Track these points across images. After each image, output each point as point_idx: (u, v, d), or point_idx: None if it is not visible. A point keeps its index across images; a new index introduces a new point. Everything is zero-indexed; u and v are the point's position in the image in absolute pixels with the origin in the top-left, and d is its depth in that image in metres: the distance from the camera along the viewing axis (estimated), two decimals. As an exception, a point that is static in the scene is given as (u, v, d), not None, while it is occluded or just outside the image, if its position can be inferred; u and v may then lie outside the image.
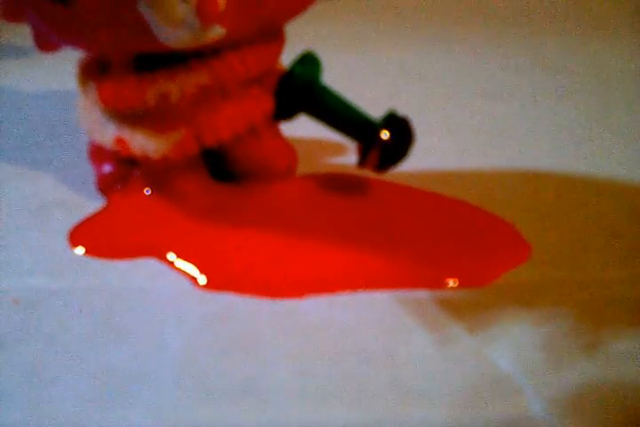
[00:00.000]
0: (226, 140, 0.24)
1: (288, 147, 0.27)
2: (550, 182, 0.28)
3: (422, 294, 0.21)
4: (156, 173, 0.25)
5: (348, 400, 0.16)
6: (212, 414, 0.16)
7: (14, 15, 0.24)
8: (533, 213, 0.25)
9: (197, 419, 0.16)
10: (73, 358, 0.18)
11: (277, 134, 0.27)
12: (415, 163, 0.26)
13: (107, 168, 0.26)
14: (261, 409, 0.16)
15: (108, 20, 0.21)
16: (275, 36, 0.25)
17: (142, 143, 0.24)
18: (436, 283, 0.21)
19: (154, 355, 0.18)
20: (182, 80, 0.23)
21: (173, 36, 0.21)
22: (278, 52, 0.25)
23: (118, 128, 0.24)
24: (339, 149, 0.30)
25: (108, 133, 0.24)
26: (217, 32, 0.21)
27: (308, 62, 0.26)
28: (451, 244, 0.23)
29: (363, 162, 0.26)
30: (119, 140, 0.24)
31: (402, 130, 0.25)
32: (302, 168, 0.28)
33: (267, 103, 0.25)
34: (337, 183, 0.27)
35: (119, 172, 0.26)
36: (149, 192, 0.25)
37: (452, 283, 0.21)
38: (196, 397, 0.17)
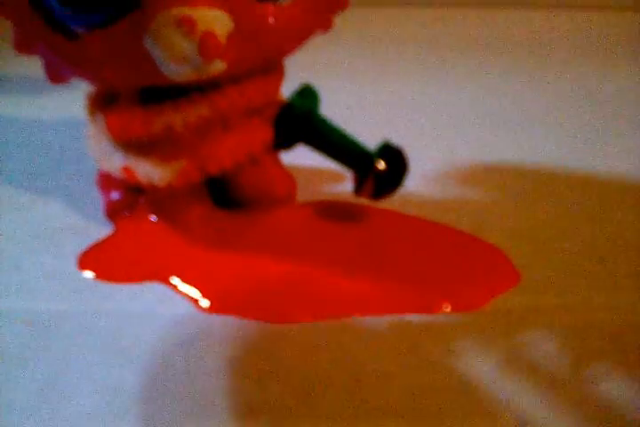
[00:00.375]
0: (228, 169, 0.25)
1: (287, 175, 0.28)
2: (540, 211, 0.29)
3: (415, 318, 0.21)
4: (160, 201, 0.26)
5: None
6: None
7: (27, 47, 0.24)
8: (523, 241, 0.26)
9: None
10: (83, 377, 0.19)
11: (277, 163, 0.28)
12: (410, 190, 0.27)
13: (114, 195, 0.27)
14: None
15: (114, 54, 0.22)
16: (274, 69, 0.26)
17: (148, 172, 0.24)
18: (429, 308, 0.22)
19: (159, 375, 0.19)
20: (186, 112, 0.24)
21: (177, 70, 0.22)
22: (278, 85, 0.26)
23: (125, 157, 0.25)
24: (335, 178, 0.31)
25: (116, 162, 0.25)
26: (218, 67, 0.22)
27: (307, 95, 0.27)
28: (443, 270, 0.24)
29: (359, 190, 0.27)
30: (126, 169, 0.25)
31: (396, 160, 0.26)
32: (301, 195, 0.29)
33: (267, 133, 0.26)
34: (334, 210, 0.28)
35: (126, 199, 0.27)
36: (155, 219, 0.26)
37: (444, 307, 0.22)
38: (199, 414, 0.17)
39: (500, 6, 0.85)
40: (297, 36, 0.25)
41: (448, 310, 0.22)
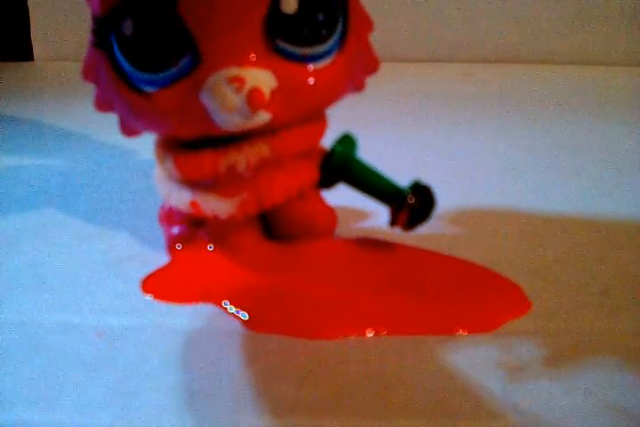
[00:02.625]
0: (280, 203, 0.28)
1: (330, 209, 0.31)
2: (551, 248, 0.32)
3: (435, 338, 0.24)
4: (218, 231, 0.30)
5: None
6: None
7: (105, 106, 0.29)
8: (535, 275, 0.29)
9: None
10: (148, 378, 0.22)
11: (320, 198, 0.31)
12: (434, 228, 0.30)
13: (175, 230, 0.31)
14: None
15: (177, 107, 0.26)
16: (319, 119, 0.29)
17: (213, 206, 0.28)
18: (449, 329, 0.25)
19: (213, 378, 0.22)
20: (247, 153, 0.27)
21: (228, 120, 0.25)
22: (322, 132, 0.29)
23: (192, 193, 0.28)
24: (369, 215, 0.35)
25: (184, 198, 0.28)
26: (263, 117, 0.26)
27: (347, 141, 0.30)
28: (461, 297, 0.27)
29: (394, 222, 0.30)
30: (193, 204, 0.28)
31: (426, 196, 0.29)
32: (339, 229, 0.32)
33: (313, 174, 0.29)
34: (368, 245, 0.32)
35: (185, 233, 0.31)
36: (212, 248, 0.30)
37: (461, 330, 0.25)
38: (246, 412, 0.21)
39: (519, 62, 0.89)
40: (332, 94, 0.28)
41: (465, 332, 0.25)
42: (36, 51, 1.06)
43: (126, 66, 0.26)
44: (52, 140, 0.55)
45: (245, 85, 0.24)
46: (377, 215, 0.34)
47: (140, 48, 0.25)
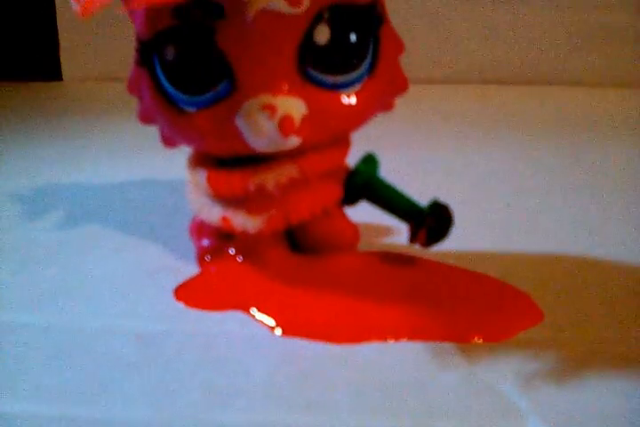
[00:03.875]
0: (306, 220, 0.30)
1: (353, 226, 0.33)
2: (564, 264, 0.33)
3: (454, 345, 0.26)
4: (247, 244, 0.32)
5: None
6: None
7: (147, 120, 0.31)
8: (546, 287, 0.30)
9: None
10: (183, 378, 0.24)
11: (344, 215, 0.33)
12: (453, 244, 0.32)
13: (205, 242, 0.33)
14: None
15: (213, 128, 0.28)
16: (343, 141, 0.31)
17: (243, 221, 0.30)
18: (466, 337, 0.26)
19: (242, 378, 0.24)
20: (276, 173, 0.29)
21: (260, 143, 0.27)
22: (346, 153, 0.31)
23: (223, 209, 0.30)
24: (389, 231, 0.36)
25: (215, 213, 0.30)
26: (293, 142, 0.28)
27: (370, 161, 0.32)
28: (477, 308, 0.28)
29: (413, 239, 0.32)
30: (224, 219, 0.30)
31: (444, 214, 0.31)
32: (362, 244, 0.34)
33: (337, 192, 0.31)
34: (389, 258, 0.33)
35: (215, 245, 0.32)
36: (241, 259, 0.32)
37: (477, 338, 0.26)
38: (280, 408, 0.22)
39: (534, 83, 0.91)
40: (361, 118, 0.30)
41: (480, 340, 0.26)
42: (64, 71, 1.09)
43: (167, 86, 0.28)
44: (83, 157, 0.58)
45: (277, 113, 0.26)
46: (397, 232, 0.35)
47: (180, 72, 0.27)
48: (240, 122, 0.27)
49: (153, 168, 0.52)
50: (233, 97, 0.27)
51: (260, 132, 0.27)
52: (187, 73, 0.27)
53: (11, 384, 0.24)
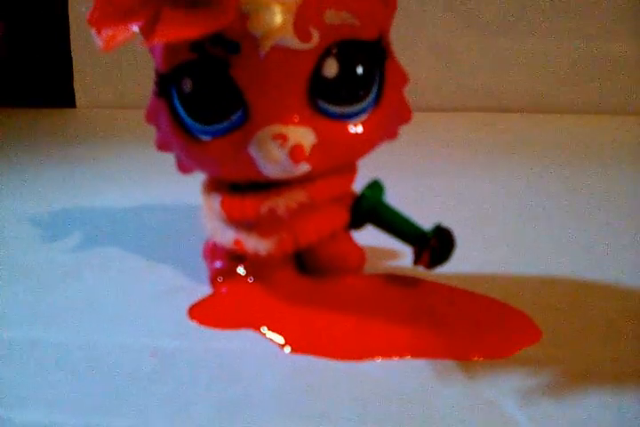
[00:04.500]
0: (314, 243, 0.32)
1: (359, 248, 0.34)
2: (563, 286, 0.34)
3: (455, 363, 0.27)
4: (257, 266, 0.33)
5: None
6: None
7: (164, 147, 0.32)
8: (545, 307, 0.32)
9: None
10: (196, 392, 0.25)
11: (350, 239, 0.34)
12: (455, 265, 0.33)
13: (218, 264, 0.34)
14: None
15: (228, 156, 0.29)
16: (350, 168, 0.33)
17: (254, 244, 0.31)
18: (466, 355, 0.27)
19: (255, 391, 0.25)
20: (287, 198, 0.30)
21: (272, 170, 0.29)
22: (352, 180, 0.33)
23: (236, 232, 0.31)
24: (395, 254, 0.38)
25: (228, 236, 0.32)
26: (303, 169, 0.29)
27: (375, 187, 0.33)
28: (478, 328, 0.30)
29: (417, 261, 0.33)
30: (237, 242, 0.31)
31: (446, 238, 0.32)
32: (367, 266, 0.35)
33: (344, 217, 0.33)
34: (393, 279, 0.35)
35: (227, 267, 0.34)
36: (252, 280, 0.33)
37: (477, 356, 0.27)
38: (289, 421, 0.23)
39: (538, 112, 0.93)
40: (367, 146, 0.31)
41: (481, 357, 0.27)
42: (78, 98, 1.11)
43: (184, 116, 0.30)
44: (97, 182, 0.60)
45: (288, 142, 0.28)
46: (401, 254, 0.37)
47: (197, 103, 0.29)
48: (253, 150, 0.28)
49: (165, 193, 0.53)
50: (246, 126, 0.29)
51: (271, 160, 0.28)
52: (203, 104, 0.29)
53: (34, 395, 0.25)
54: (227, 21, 0.26)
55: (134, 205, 0.51)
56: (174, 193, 0.52)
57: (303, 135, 0.28)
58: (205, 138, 0.30)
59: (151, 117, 0.32)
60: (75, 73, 1.10)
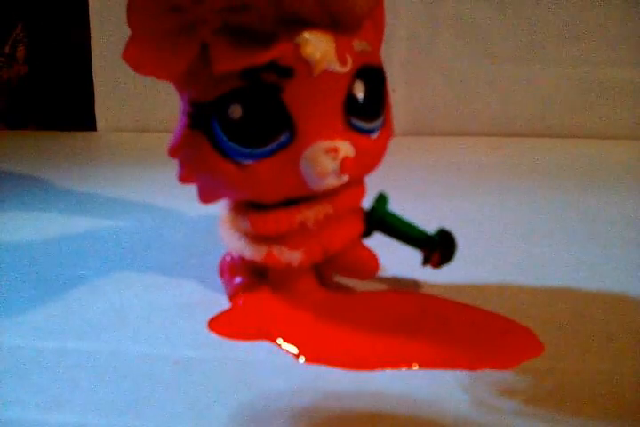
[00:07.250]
0: (338, 251, 0.34)
1: (373, 254, 0.36)
2: (563, 300, 0.36)
3: (461, 373, 0.28)
4: (280, 278, 0.34)
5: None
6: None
7: (188, 179, 0.33)
8: (547, 321, 0.32)
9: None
10: (216, 399, 0.26)
11: (364, 246, 0.36)
12: (463, 282, 0.35)
13: (237, 280, 0.35)
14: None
15: (274, 176, 0.30)
16: (361, 182, 0.35)
17: (287, 256, 0.33)
18: (471, 366, 0.28)
19: (269, 400, 0.27)
20: (316, 210, 0.32)
21: (320, 182, 0.31)
22: (365, 192, 0.35)
23: (267, 246, 0.33)
24: (402, 258, 0.38)
25: (260, 251, 0.33)
26: (344, 179, 0.31)
27: (382, 199, 0.37)
28: (483, 341, 0.31)
29: (426, 262, 0.36)
30: (269, 255, 0.33)
31: (450, 239, 0.36)
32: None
33: (360, 226, 0.35)
34: (403, 295, 0.36)
35: (248, 281, 0.35)
36: (272, 292, 0.34)
37: (482, 367, 0.29)
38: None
39: (545, 136, 0.94)
40: (381, 159, 0.34)
41: (485, 369, 0.29)
42: (99, 121, 1.14)
43: (226, 142, 0.30)
44: (118, 203, 0.62)
45: (339, 154, 0.30)
46: (408, 259, 0.38)
47: (246, 129, 0.30)
48: (305, 165, 0.30)
49: (184, 213, 0.55)
50: (292, 145, 0.30)
51: (324, 173, 0.30)
52: (253, 128, 0.30)
53: (66, 399, 0.26)
54: (288, 50, 0.29)
55: (154, 224, 0.53)
56: (193, 213, 0.54)
57: (347, 148, 0.31)
58: (247, 162, 0.30)
59: (177, 151, 0.32)
60: (96, 96, 1.12)
